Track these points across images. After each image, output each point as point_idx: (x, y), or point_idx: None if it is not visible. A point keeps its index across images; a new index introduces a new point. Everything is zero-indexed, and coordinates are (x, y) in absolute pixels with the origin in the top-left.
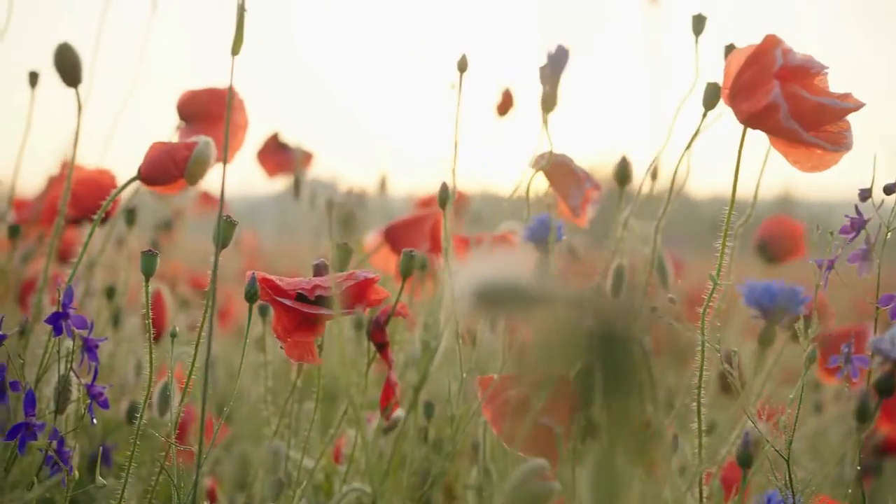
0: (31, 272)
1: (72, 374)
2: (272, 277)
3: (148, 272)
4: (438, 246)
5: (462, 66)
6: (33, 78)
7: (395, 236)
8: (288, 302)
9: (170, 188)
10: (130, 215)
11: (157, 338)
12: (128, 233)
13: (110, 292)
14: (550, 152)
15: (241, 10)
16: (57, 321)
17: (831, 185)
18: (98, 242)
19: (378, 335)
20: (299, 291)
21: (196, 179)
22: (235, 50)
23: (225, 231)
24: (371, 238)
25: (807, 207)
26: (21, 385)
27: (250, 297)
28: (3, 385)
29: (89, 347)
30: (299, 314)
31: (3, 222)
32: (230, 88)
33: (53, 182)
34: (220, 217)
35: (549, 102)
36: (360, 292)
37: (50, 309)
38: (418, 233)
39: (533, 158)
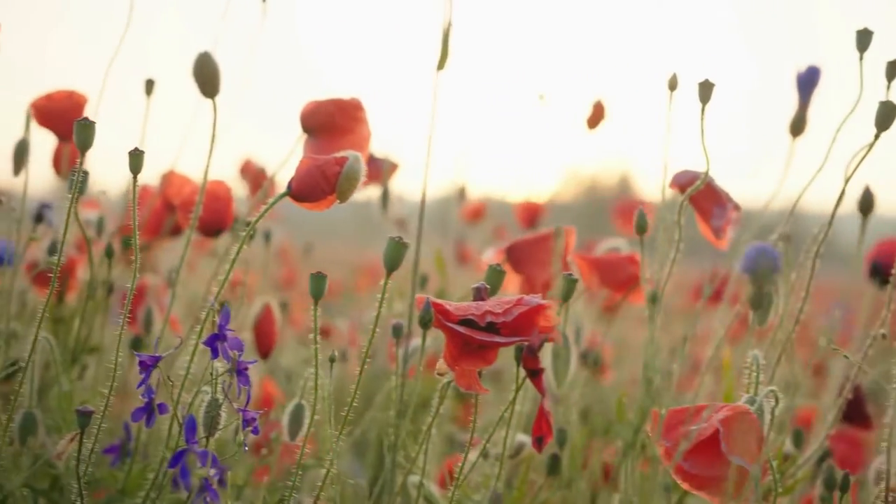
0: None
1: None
2: (442, 302)
3: (317, 294)
4: (567, 265)
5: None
6: (149, 86)
7: (520, 255)
8: (460, 328)
9: (319, 205)
10: (244, 226)
11: (266, 355)
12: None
13: (222, 307)
14: (706, 173)
15: (448, 27)
16: (214, 343)
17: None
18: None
19: (531, 361)
20: (468, 317)
21: (347, 196)
22: (441, 65)
23: (395, 252)
24: (489, 256)
25: (811, 219)
26: (170, 408)
27: (425, 323)
28: (151, 407)
29: (241, 370)
30: (468, 341)
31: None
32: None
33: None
34: (390, 240)
35: (798, 125)
36: (529, 318)
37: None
38: (546, 252)
39: (673, 177)
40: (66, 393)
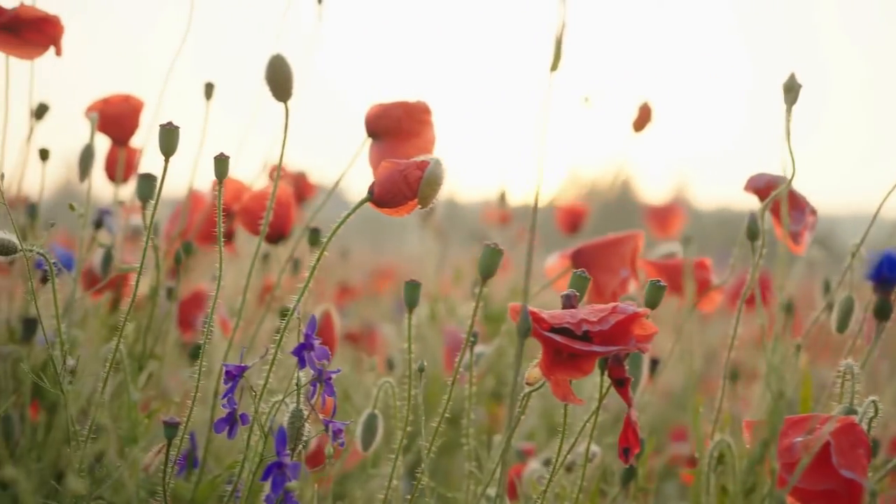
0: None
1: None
2: (538, 310)
3: (412, 303)
4: (636, 272)
5: None
6: (209, 89)
7: (588, 260)
8: (558, 338)
9: (399, 210)
10: (315, 235)
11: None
12: (308, 253)
13: (283, 313)
14: (791, 178)
15: (562, 29)
16: (301, 352)
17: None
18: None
19: (617, 371)
20: (564, 326)
21: (428, 201)
22: (554, 66)
23: (491, 259)
24: (554, 261)
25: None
26: (252, 418)
27: (524, 332)
28: (233, 418)
29: (326, 380)
30: (562, 350)
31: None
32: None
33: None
34: (486, 247)
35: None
36: (625, 327)
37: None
38: (616, 256)
39: (748, 180)
40: (135, 403)
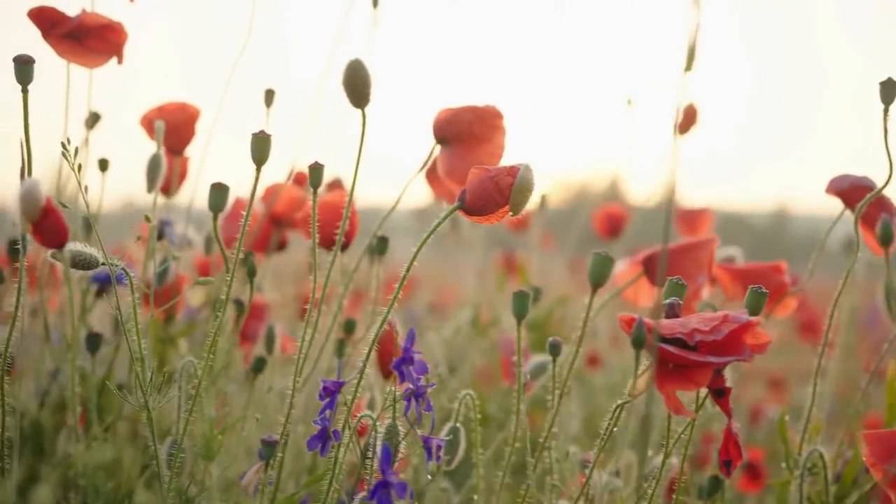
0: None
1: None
2: (649, 321)
3: (521, 314)
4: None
5: None
6: (269, 96)
7: (659, 265)
8: (671, 348)
9: (490, 218)
10: (382, 244)
11: (388, 374)
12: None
13: (349, 326)
14: (888, 179)
15: (696, 31)
16: (400, 366)
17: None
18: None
19: (717, 381)
20: (677, 336)
21: (520, 208)
22: (688, 67)
23: (602, 267)
24: (623, 266)
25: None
26: (345, 434)
27: (639, 343)
28: (326, 434)
29: (420, 394)
30: (674, 361)
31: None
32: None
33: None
34: (596, 255)
35: None
36: (738, 337)
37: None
38: (692, 262)
39: (830, 182)
40: (212, 419)
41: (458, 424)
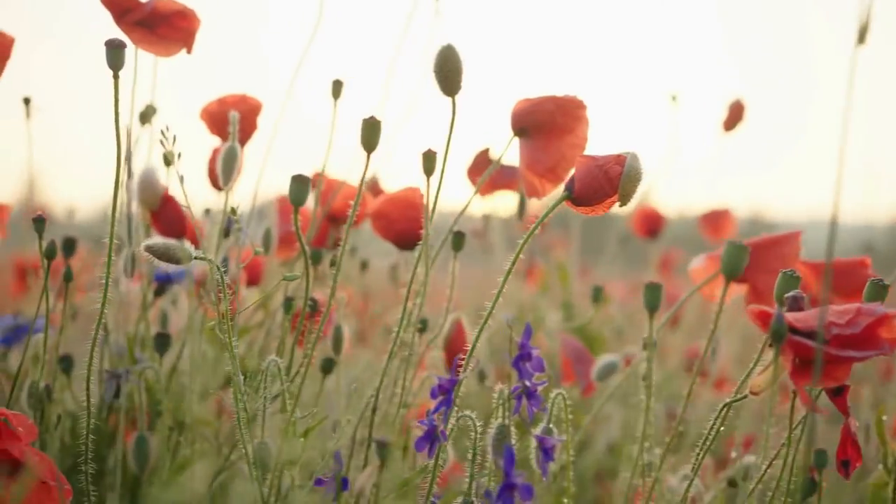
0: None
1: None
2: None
3: (654, 307)
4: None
5: None
6: (336, 87)
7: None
8: (811, 343)
9: (597, 209)
10: (459, 240)
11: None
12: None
13: (423, 324)
14: None
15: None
16: (519, 363)
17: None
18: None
19: None
20: (812, 329)
21: (629, 198)
22: (861, 40)
23: (738, 257)
24: (700, 262)
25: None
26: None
27: (779, 336)
28: (434, 435)
29: (531, 392)
30: (811, 356)
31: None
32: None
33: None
34: (730, 244)
35: None
36: (874, 330)
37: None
38: (776, 257)
39: None
40: (296, 421)
41: (551, 425)
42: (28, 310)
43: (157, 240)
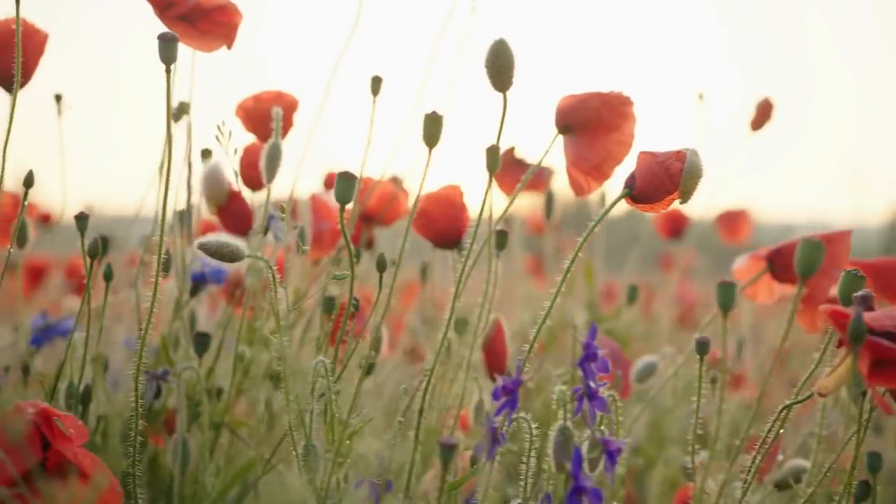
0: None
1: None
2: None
3: (727, 305)
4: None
5: None
6: (376, 84)
7: (789, 262)
8: (886, 343)
9: (657, 206)
10: (502, 239)
11: (497, 371)
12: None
13: (462, 325)
14: None
15: None
16: (584, 364)
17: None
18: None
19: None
20: (888, 329)
21: (689, 196)
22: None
23: (814, 255)
24: (744, 262)
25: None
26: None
27: (858, 337)
28: (495, 437)
29: (594, 394)
30: (886, 355)
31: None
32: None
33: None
34: (807, 241)
35: None
36: None
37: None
38: (828, 256)
39: None
40: (343, 422)
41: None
42: (33, 311)
43: (211, 238)
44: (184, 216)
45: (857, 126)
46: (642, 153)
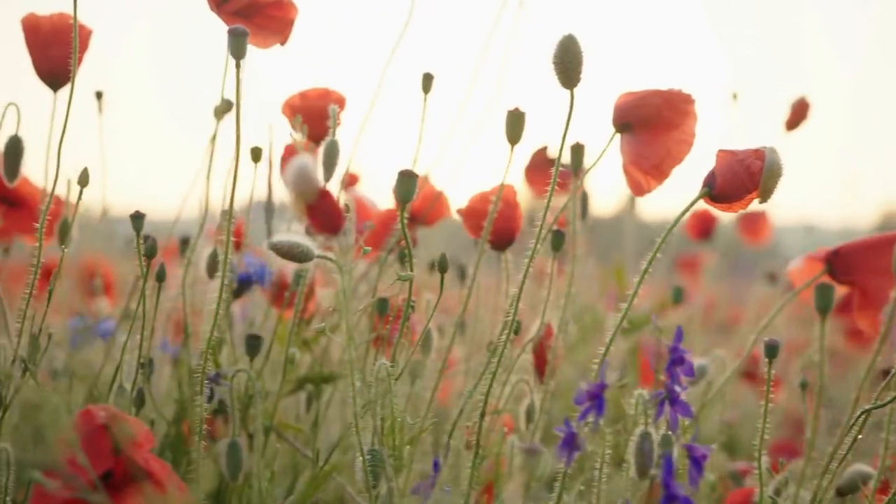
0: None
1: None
2: None
3: (826, 308)
4: None
5: None
6: (427, 81)
7: (851, 263)
8: None
9: (735, 206)
10: (558, 239)
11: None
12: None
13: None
14: None
15: None
16: (672, 368)
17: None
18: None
19: None
20: None
21: (770, 194)
22: None
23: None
24: (800, 265)
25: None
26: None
27: None
28: (574, 441)
29: (676, 399)
30: None
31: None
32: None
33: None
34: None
35: None
36: None
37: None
38: (884, 257)
39: None
40: (404, 426)
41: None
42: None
43: (283, 238)
44: (267, 213)
45: (848, 129)
46: (721, 151)
